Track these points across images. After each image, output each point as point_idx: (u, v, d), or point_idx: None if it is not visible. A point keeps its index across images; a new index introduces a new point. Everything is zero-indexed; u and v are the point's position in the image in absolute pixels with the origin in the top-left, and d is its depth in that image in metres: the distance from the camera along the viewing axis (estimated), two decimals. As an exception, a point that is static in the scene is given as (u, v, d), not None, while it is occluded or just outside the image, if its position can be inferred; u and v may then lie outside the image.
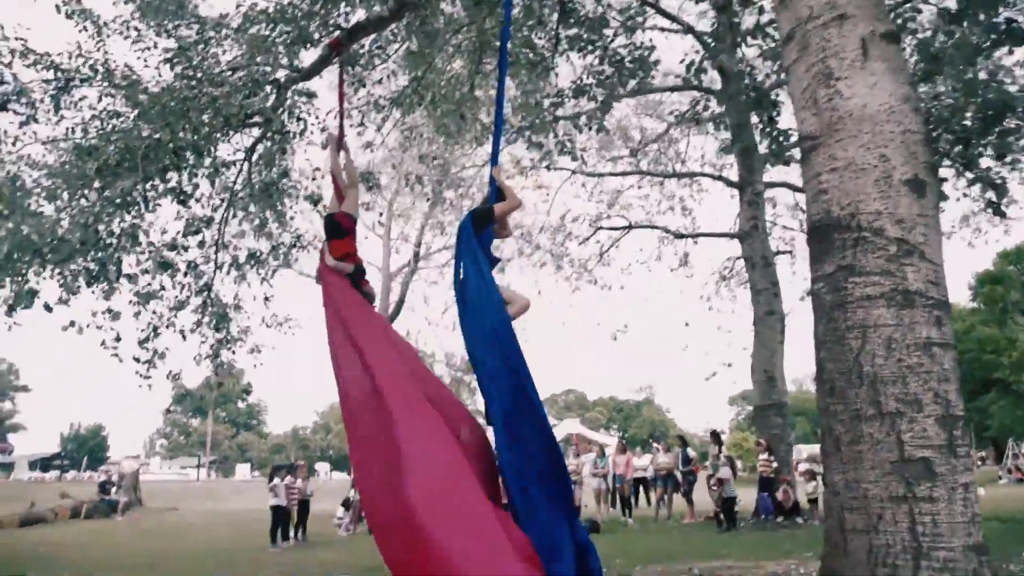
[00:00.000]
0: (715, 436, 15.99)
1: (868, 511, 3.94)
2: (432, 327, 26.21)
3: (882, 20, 4.63)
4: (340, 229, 5.42)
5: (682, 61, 9.06)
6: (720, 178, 18.66)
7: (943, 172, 6.85)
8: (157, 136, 7.36)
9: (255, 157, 9.11)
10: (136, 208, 7.83)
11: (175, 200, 7.33)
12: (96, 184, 7.29)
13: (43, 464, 57.30)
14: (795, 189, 19.34)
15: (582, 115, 7.71)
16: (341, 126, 6.24)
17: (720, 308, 20.19)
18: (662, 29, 15.11)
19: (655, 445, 20.39)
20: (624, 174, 18.71)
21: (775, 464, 14.96)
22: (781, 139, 6.91)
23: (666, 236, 19.56)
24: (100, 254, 7.19)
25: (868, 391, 4.04)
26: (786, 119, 6.95)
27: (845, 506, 4.08)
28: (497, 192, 5.21)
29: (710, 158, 19.81)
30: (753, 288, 16.00)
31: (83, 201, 7.52)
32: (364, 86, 8.83)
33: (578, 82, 7.42)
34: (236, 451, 77.86)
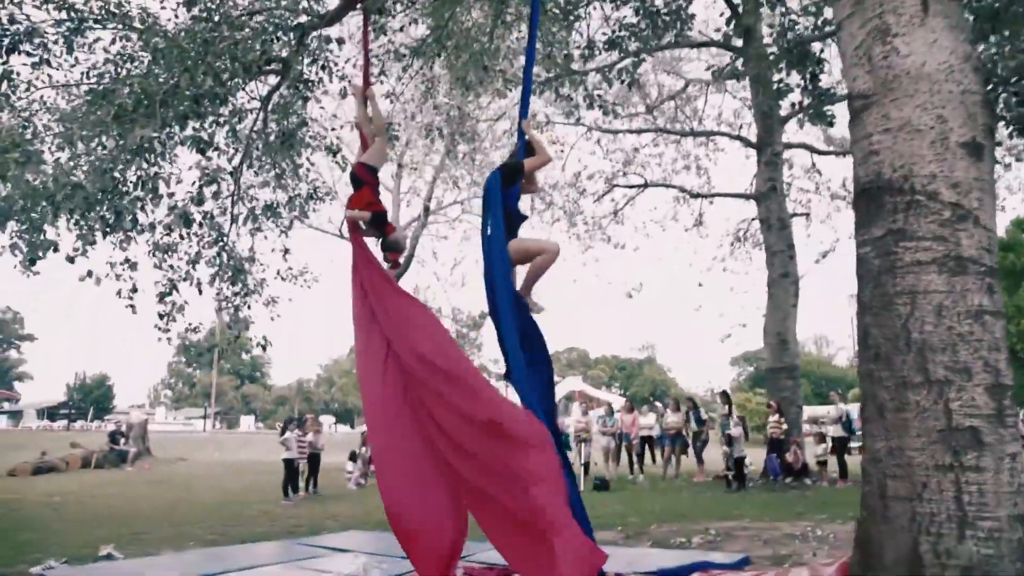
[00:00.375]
0: (725, 396, 15.99)
1: (912, 479, 3.88)
2: (440, 283, 26.08)
3: (942, -27, 4.42)
4: (357, 181, 5.32)
5: (722, 14, 8.80)
6: (739, 138, 18.35)
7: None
8: (175, 81, 7.17)
9: (271, 106, 8.92)
10: (154, 155, 7.65)
11: (194, 149, 7.15)
12: (113, 131, 7.12)
13: (50, 413, 57.84)
14: (813, 151, 19.06)
15: (613, 68, 7.48)
16: (366, 73, 6.06)
17: (734, 269, 20.07)
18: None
19: (658, 404, 20.44)
20: (640, 131, 18.41)
21: (785, 426, 15.03)
22: (822, 97, 6.69)
23: (682, 196, 19.33)
24: (118, 203, 7.04)
25: (916, 358, 3.96)
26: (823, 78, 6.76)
27: (888, 473, 4.02)
28: (527, 146, 5.09)
29: (727, 117, 19.51)
30: (768, 250, 15.86)
31: (100, 149, 7.34)
32: (385, 34, 8.59)
33: (610, 33, 7.17)
34: (240, 403, 78.52)
